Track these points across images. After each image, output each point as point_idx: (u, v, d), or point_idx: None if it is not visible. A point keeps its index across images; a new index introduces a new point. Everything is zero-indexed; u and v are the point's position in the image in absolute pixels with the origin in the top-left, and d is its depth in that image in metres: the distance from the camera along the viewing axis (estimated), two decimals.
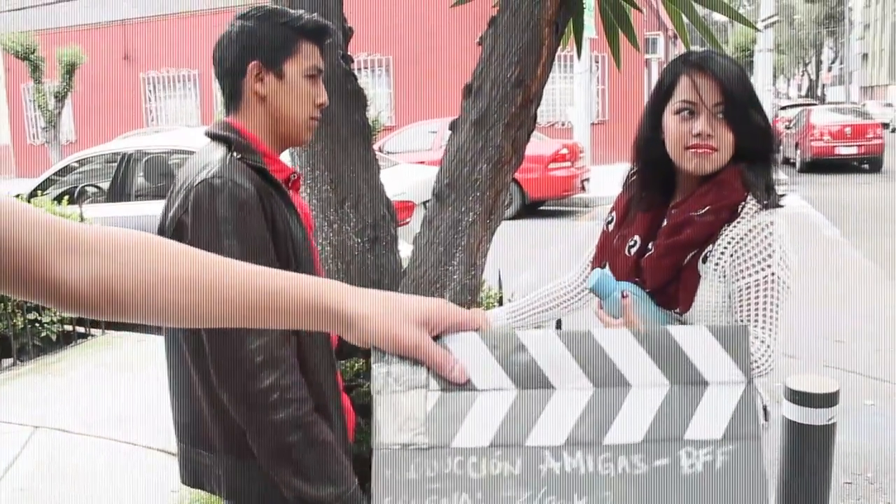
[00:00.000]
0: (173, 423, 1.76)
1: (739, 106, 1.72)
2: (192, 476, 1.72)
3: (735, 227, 1.71)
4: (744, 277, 1.70)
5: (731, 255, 1.71)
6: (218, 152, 1.58)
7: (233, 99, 1.68)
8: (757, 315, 1.70)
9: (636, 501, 0.73)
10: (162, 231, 1.57)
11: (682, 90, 1.76)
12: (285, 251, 1.56)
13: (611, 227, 1.97)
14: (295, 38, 1.63)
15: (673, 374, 0.76)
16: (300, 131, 1.69)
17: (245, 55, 1.63)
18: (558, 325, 2.59)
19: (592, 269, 2.00)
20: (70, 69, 17.88)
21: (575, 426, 0.75)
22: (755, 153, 1.77)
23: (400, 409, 0.77)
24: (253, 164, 1.57)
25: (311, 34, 1.65)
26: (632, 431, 0.74)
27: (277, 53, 1.62)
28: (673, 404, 0.74)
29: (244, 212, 1.48)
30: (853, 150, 18.49)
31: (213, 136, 1.64)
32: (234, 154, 1.56)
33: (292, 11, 1.65)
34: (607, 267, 1.91)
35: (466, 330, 0.81)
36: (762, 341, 1.69)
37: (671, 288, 1.77)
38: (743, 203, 1.72)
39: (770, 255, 1.69)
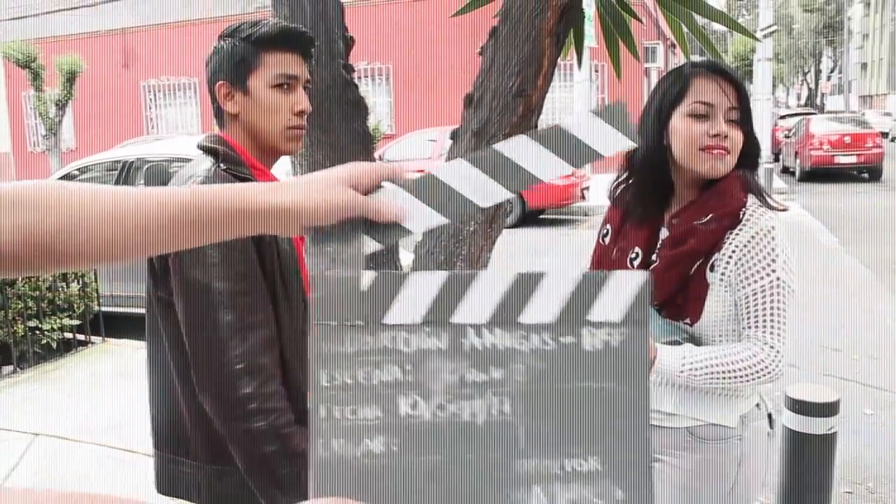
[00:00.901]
0: (151, 431, 1.77)
1: (747, 112, 1.77)
2: (169, 484, 1.73)
3: (738, 233, 1.72)
4: (749, 284, 1.70)
5: (736, 263, 1.71)
6: (205, 164, 1.60)
7: (217, 117, 1.71)
8: (765, 320, 1.70)
9: (545, 373, 0.81)
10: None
11: (698, 92, 1.76)
12: (270, 263, 1.57)
13: (606, 240, 1.95)
14: (256, 51, 1.63)
15: (571, 158, 0.89)
16: (279, 142, 1.68)
17: (215, 76, 1.66)
18: None
19: None
20: (70, 77, 17.91)
21: (496, 307, 0.82)
22: (747, 161, 1.79)
23: (337, 288, 0.82)
24: (239, 175, 1.58)
25: (271, 43, 1.64)
26: (545, 313, 0.82)
27: (241, 69, 1.63)
28: (581, 290, 0.82)
29: None
30: (852, 160, 18.51)
31: (203, 148, 1.66)
32: (221, 165, 1.58)
33: (256, 24, 1.65)
34: None
35: (387, 179, 0.88)
36: (772, 346, 1.69)
37: (679, 298, 1.76)
38: (744, 209, 1.73)
39: (774, 260, 1.69)
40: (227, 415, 1.48)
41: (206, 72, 1.69)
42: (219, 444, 1.53)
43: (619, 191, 1.95)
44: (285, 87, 1.65)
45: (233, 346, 1.47)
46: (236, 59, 1.63)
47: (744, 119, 1.76)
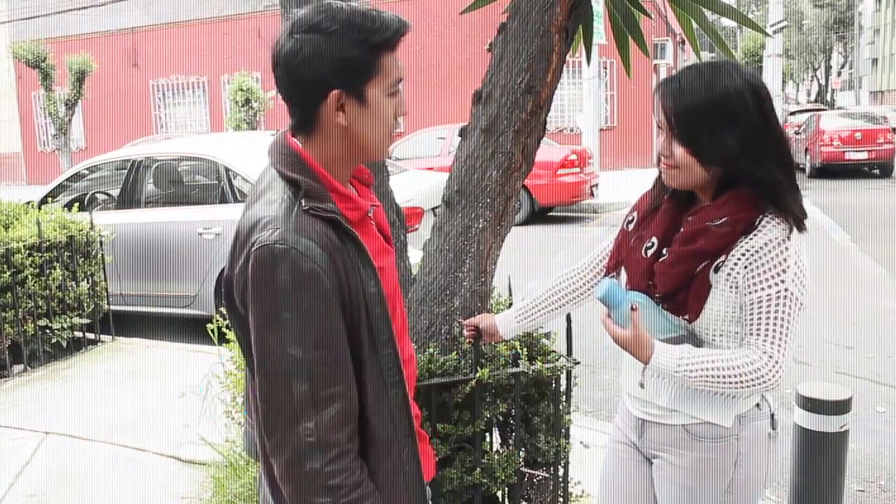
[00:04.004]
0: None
1: (690, 129, 1.70)
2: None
3: (751, 239, 1.70)
4: (756, 291, 1.69)
5: (745, 268, 1.70)
6: (284, 201, 1.42)
7: (305, 124, 1.48)
8: (767, 329, 1.69)
9: None
10: (229, 284, 1.47)
11: (656, 108, 1.78)
12: (357, 309, 1.44)
13: (630, 226, 1.96)
14: (377, 55, 1.42)
15: None
16: (381, 152, 1.53)
17: (322, 81, 1.41)
18: (568, 319, 2.57)
19: (608, 268, 1.99)
20: (80, 77, 17.99)
21: None
22: (746, 176, 1.71)
23: None
24: (323, 215, 1.41)
25: (393, 46, 1.44)
26: None
27: (359, 77, 1.42)
28: None
29: (307, 283, 1.35)
30: (863, 156, 18.39)
31: (282, 175, 1.47)
32: (303, 203, 1.40)
33: (368, 21, 1.41)
34: (622, 270, 1.91)
35: None
36: (770, 356, 1.68)
37: (681, 295, 1.76)
38: (761, 217, 1.71)
39: (784, 271, 1.68)
40: (294, 485, 1.40)
41: (299, 72, 1.41)
42: None
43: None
44: (396, 92, 1.49)
45: (305, 418, 1.36)
46: (357, 64, 1.40)
47: (680, 134, 1.71)
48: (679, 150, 1.72)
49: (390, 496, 1.51)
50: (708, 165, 1.71)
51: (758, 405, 1.86)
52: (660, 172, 1.92)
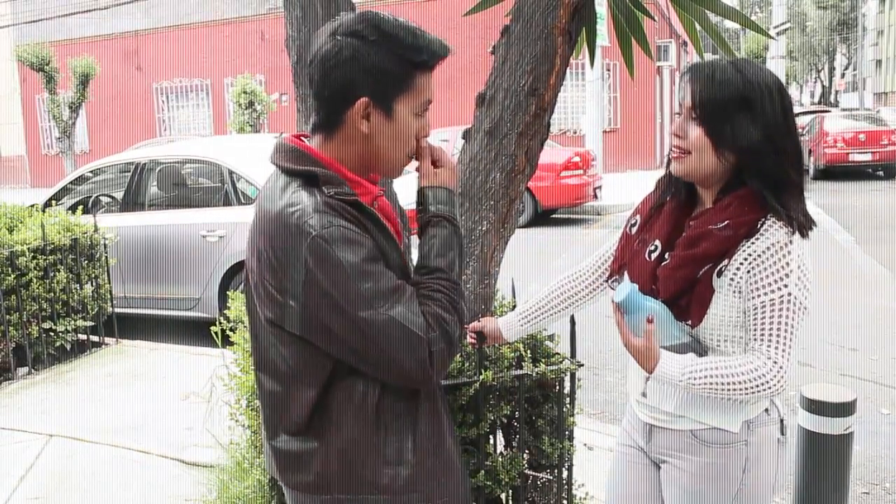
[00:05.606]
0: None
1: (714, 111, 1.69)
2: None
3: (753, 243, 1.69)
4: (759, 296, 1.68)
5: (748, 272, 1.69)
6: (303, 194, 1.43)
7: (327, 125, 1.50)
8: (770, 334, 1.68)
9: None
10: (254, 289, 1.52)
11: (679, 94, 1.78)
12: None
13: (633, 229, 1.95)
14: (412, 72, 1.45)
15: None
16: (396, 169, 1.55)
17: (353, 86, 1.43)
18: (572, 321, 2.57)
19: (611, 271, 1.99)
20: (84, 80, 18.03)
21: None
22: (758, 171, 1.71)
23: None
24: (345, 199, 1.43)
25: (430, 67, 1.48)
26: None
27: (390, 89, 1.44)
28: None
29: (363, 250, 1.39)
30: (867, 157, 18.35)
31: (292, 172, 1.48)
32: (326, 192, 1.42)
33: (411, 37, 1.45)
34: (626, 273, 1.90)
35: None
36: (774, 362, 1.67)
37: (684, 300, 1.75)
38: (763, 220, 1.70)
39: (787, 275, 1.66)
40: (449, 350, 1.46)
41: (333, 73, 1.43)
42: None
43: (662, 178, 1.94)
44: (423, 113, 1.51)
45: (414, 347, 1.42)
46: (390, 77, 1.43)
47: (705, 118, 1.70)
48: (696, 132, 1.71)
49: (444, 488, 1.57)
50: (721, 150, 1.70)
51: (766, 410, 1.84)
52: (663, 174, 1.92)
